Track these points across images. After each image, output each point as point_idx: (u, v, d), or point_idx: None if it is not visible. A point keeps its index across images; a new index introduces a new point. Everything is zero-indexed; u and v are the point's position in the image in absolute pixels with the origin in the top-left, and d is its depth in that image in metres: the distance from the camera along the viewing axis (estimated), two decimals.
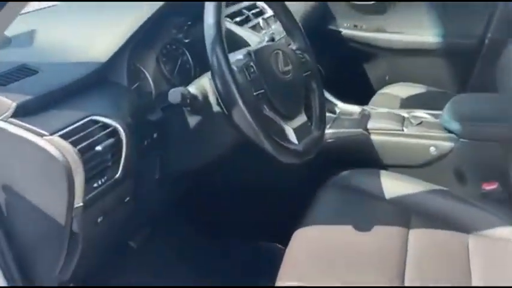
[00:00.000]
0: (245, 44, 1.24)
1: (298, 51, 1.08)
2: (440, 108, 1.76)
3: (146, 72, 1.09)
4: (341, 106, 1.54)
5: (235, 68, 0.87)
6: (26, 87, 0.78)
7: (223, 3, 0.88)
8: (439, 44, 1.98)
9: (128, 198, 0.89)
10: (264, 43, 0.97)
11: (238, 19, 1.38)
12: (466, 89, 1.99)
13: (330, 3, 2.11)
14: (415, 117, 1.38)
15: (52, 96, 0.80)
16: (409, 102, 1.75)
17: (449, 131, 1.26)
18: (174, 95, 0.87)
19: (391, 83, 1.97)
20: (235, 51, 0.96)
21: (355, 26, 2.11)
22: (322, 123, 1.08)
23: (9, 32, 1.01)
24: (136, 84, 1.04)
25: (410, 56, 2.05)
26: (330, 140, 1.34)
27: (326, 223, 1.08)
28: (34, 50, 0.95)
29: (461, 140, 1.24)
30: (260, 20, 1.43)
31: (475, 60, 1.94)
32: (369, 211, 1.13)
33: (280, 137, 0.92)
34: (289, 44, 1.37)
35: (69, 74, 0.86)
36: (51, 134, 0.72)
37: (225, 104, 0.84)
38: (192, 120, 0.99)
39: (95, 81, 0.89)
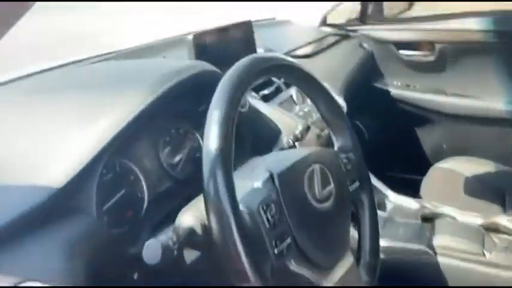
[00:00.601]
0: (273, 130, 0.95)
1: (342, 155, 0.77)
2: None
3: (137, 171, 0.80)
4: (393, 199, 1.21)
5: (245, 210, 0.56)
6: None
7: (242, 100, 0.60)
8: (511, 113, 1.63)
9: None
10: (293, 160, 0.65)
11: (266, 91, 1.09)
12: None
13: (378, 58, 1.81)
14: (496, 225, 1.03)
15: None
16: (476, 185, 1.39)
17: None
18: (151, 250, 0.58)
19: (450, 156, 1.61)
20: (253, 167, 0.66)
21: (407, 85, 1.79)
22: (375, 260, 0.76)
23: None
24: (118, 196, 0.75)
25: (474, 125, 1.70)
26: None
27: None
28: None
29: None
30: (293, 91, 1.13)
31: None
32: None
33: None
34: (323, 130, 1.07)
35: (8, 207, 0.58)
36: None
37: (228, 270, 0.54)
38: (189, 255, 0.70)
39: (44, 214, 0.60)
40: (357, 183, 0.77)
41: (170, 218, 0.72)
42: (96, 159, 0.66)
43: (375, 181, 1.23)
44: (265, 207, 0.58)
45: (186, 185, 0.85)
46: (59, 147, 0.68)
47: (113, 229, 0.71)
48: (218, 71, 0.85)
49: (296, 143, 0.88)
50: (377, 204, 1.04)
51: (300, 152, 0.70)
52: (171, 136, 0.89)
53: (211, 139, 0.54)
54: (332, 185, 0.68)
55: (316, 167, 0.67)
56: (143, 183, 0.79)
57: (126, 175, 0.77)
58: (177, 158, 0.89)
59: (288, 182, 0.62)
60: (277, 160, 0.67)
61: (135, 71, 0.87)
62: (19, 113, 0.76)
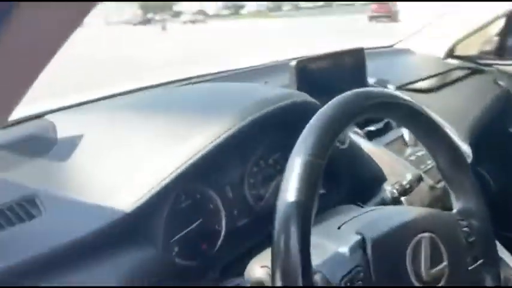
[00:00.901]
0: (376, 175, 0.81)
1: (463, 221, 0.60)
2: None
3: (218, 200, 0.74)
4: None
5: (320, 282, 0.44)
6: None
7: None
8: None
9: None
10: (395, 223, 0.50)
11: (372, 127, 0.95)
12: None
13: None
14: None
15: (21, 273, 0.50)
16: None
17: None
18: None
19: None
20: (341, 223, 0.53)
21: None
22: None
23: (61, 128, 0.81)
24: (194, 225, 0.69)
25: None
26: None
27: None
28: (60, 171, 0.68)
29: None
30: (406, 130, 0.97)
31: None
32: None
33: None
34: (439, 182, 0.87)
35: (74, 228, 0.56)
36: None
37: None
38: None
39: (106, 238, 0.57)
40: (479, 261, 0.59)
41: (243, 259, 0.64)
42: (171, 186, 0.62)
43: (499, 249, 0.99)
44: (349, 284, 0.45)
45: (268, 223, 0.76)
46: (135, 168, 0.65)
47: (181, 260, 0.66)
48: (317, 103, 0.74)
49: (402, 198, 0.72)
50: (502, 280, 0.82)
51: (406, 213, 0.55)
52: (259, 166, 0.82)
53: (290, 190, 0.44)
54: (445, 262, 0.52)
55: (426, 236, 0.52)
56: (222, 214, 0.73)
57: (205, 204, 0.72)
58: (263, 191, 0.81)
59: (384, 253, 0.48)
60: (373, 220, 0.53)
61: (229, 95, 0.82)
62: (104, 130, 0.75)
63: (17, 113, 0.88)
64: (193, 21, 26.49)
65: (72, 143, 0.74)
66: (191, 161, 0.63)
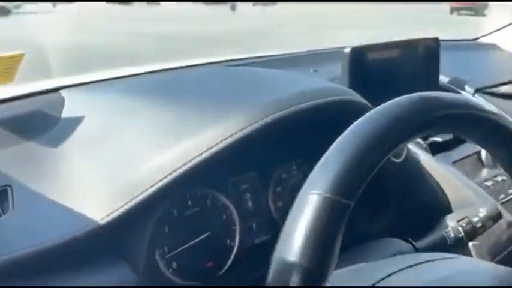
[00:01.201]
0: (437, 202, 0.63)
1: None
2: None
3: (233, 210, 0.61)
4: None
5: None
6: None
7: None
8: None
9: None
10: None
11: (438, 138, 0.76)
12: None
13: None
14: None
15: None
16: None
17: None
18: None
19: None
20: (381, 271, 0.38)
21: None
22: None
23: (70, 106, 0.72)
24: (201, 237, 0.57)
25: None
26: None
27: None
28: (48, 157, 0.59)
29: None
30: (482, 150, 0.77)
31: None
32: None
33: None
34: None
35: (36, 236, 0.46)
36: None
37: None
38: None
39: (72, 253, 0.47)
40: None
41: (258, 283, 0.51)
42: (166, 190, 0.49)
43: None
44: None
45: None
46: (130, 165, 0.54)
47: (180, 280, 0.54)
48: (368, 105, 0.58)
49: (470, 243, 0.54)
50: None
51: (477, 278, 0.38)
52: (289, 174, 0.68)
53: (293, 244, 0.29)
54: None
55: None
56: (237, 228, 0.60)
57: (217, 213, 0.59)
58: (291, 203, 0.67)
59: None
60: (426, 284, 0.37)
61: (260, 84, 0.68)
62: (114, 113, 0.65)
63: (34, 85, 0.82)
64: (263, 3, 26.34)
65: (72, 125, 0.64)
66: (200, 159, 0.51)
